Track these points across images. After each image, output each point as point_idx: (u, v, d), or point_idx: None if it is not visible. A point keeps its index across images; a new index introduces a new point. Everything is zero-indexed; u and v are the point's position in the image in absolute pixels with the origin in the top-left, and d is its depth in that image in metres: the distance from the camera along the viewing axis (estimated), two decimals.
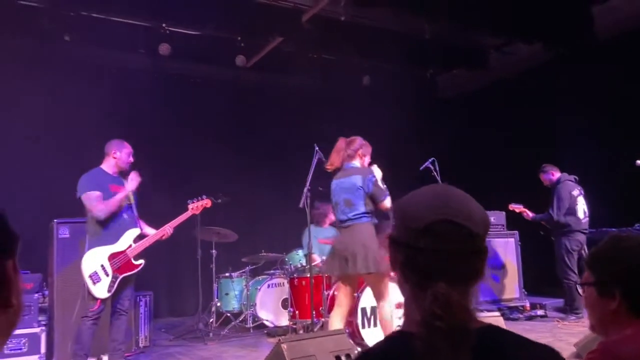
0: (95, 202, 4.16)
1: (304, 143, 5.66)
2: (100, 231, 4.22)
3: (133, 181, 4.32)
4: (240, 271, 6.83)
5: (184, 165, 7.87)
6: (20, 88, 6.33)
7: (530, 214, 6.53)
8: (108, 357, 4.39)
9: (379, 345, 1.05)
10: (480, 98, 8.92)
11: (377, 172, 4.29)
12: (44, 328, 4.82)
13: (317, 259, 5.77)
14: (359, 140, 4.35)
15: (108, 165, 4.40)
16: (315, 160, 5.16)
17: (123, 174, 4.43)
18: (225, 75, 8.29)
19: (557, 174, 6.47)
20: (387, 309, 4.15)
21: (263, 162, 8.12)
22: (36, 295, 4.91)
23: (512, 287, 6.77)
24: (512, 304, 6.65)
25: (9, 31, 6.26)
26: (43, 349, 4.77)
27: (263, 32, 7.31)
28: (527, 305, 6.62)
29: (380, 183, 4.16)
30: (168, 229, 4.47)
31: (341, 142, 4.36)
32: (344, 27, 7.08)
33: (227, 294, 6.73)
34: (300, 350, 3.21)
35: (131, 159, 4.48)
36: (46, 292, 5.14)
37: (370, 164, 4.39)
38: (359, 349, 4.73)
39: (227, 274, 6.81)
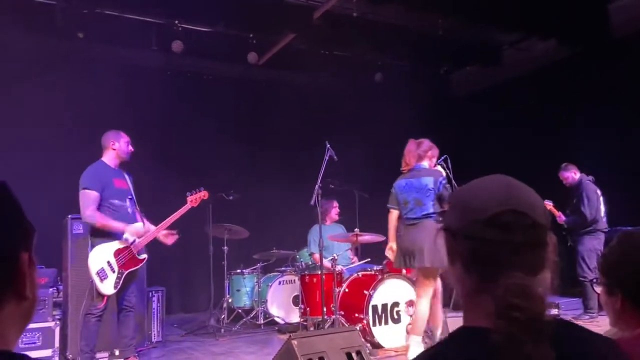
0: (88, 204, 4.09)
1: (316, 140, 5.66)
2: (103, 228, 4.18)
3: (132, 234, 4.20)
4: (252, 268, 6.85)
5: (195, 162, 7.91)
6: (33, 85, 6.38)
7: (562, 217, 6.39)
8: (119, 353, 4.41)
9: (444, 342, 1.00)
10: (493, 95, 8.84)
11: (442, 172, 4.49)
12: (58, 322, 4.86)
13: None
14: (427, 142, 4.56)
15: (109, 158, 4.36)
16: (326, 157, 5.16)
17: (123, 165, 4.41)
18: (237, 72, 8.30)
19: (578, 173, 6.42)
20: (426, 305, 4.28)
21: (274, 159, 8.14)
22: (50, 289, 4.96)
23: None
24: None
25: (23, 28, 6.32)
26: (57, 343, 4.82)
27: (275, 29, 7.31)
28: None
29: None
30: (170, 236, 4.51)
31: (411, 144, 4.55)
32: (356, 24, 7.06)
33: (238, 291, 6.76)
34: (311, 347, 3.21)
35: (131, 148, 4.44)
36: (60, 287, 5.20)
37: (435, 164, 4.58)
38: (369, 346, 4.74)
39: (238, 271, 6.83)
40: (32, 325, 4.66)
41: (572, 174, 6.42)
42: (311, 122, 8.32)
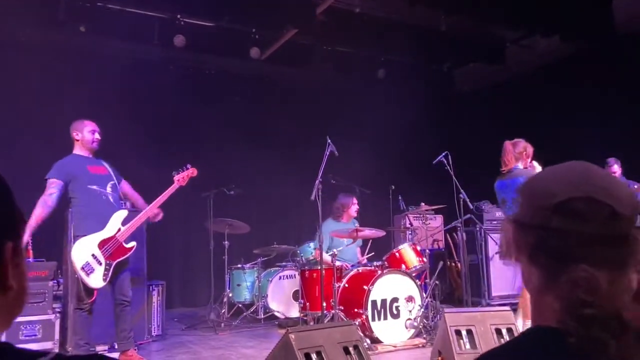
0: (47, 192, 4.07)
1: (318, 135, 5.65)
2: (84, 217, 4.14)
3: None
4: (252, 263, 6.87)
5: (196, 156, 7.86)
6: (35, 79, 6.38)
7: None
8: (118, 346, 4.41)
9: (514, 342, 0.92)
10: (496, 92, 8.81)
11: (538, 168, 4.65)
12: (57, 315, 4.88)
13: (325, 255, 5.58)
14: (522, 143, 4.78)
15: (78, 149, 4.30)
16: (327, 153, 5.15)
17: (98, 154, 4.35)
18: (239, 67, 8.30)
19: None
20: None
21: (276, 154, 8.13)
22: (51, 282, 4.96)
23: None
24: None
25: (25, 22, 6.32)
26: (57, 336, 4.84)
27: (277, 24, 7.30)
28: None
29: None
30: (157, 210, 4.36)
31: (508, 145, 4.78)
32: (359, 20, 7.04)
33: (238, 285, 6.78)
34: (309, 341, 3.22)
35: (96, 136, 4.30)
36: (61, 280, 5.22)
37: (531, 161, 4.77)
38: (368, 341, 4.74)
39: (239, 265, 6.85)
40: (32, 318, 4.69)
41: (620, 170, 6.37)
42: (313, 117, 8.31)
